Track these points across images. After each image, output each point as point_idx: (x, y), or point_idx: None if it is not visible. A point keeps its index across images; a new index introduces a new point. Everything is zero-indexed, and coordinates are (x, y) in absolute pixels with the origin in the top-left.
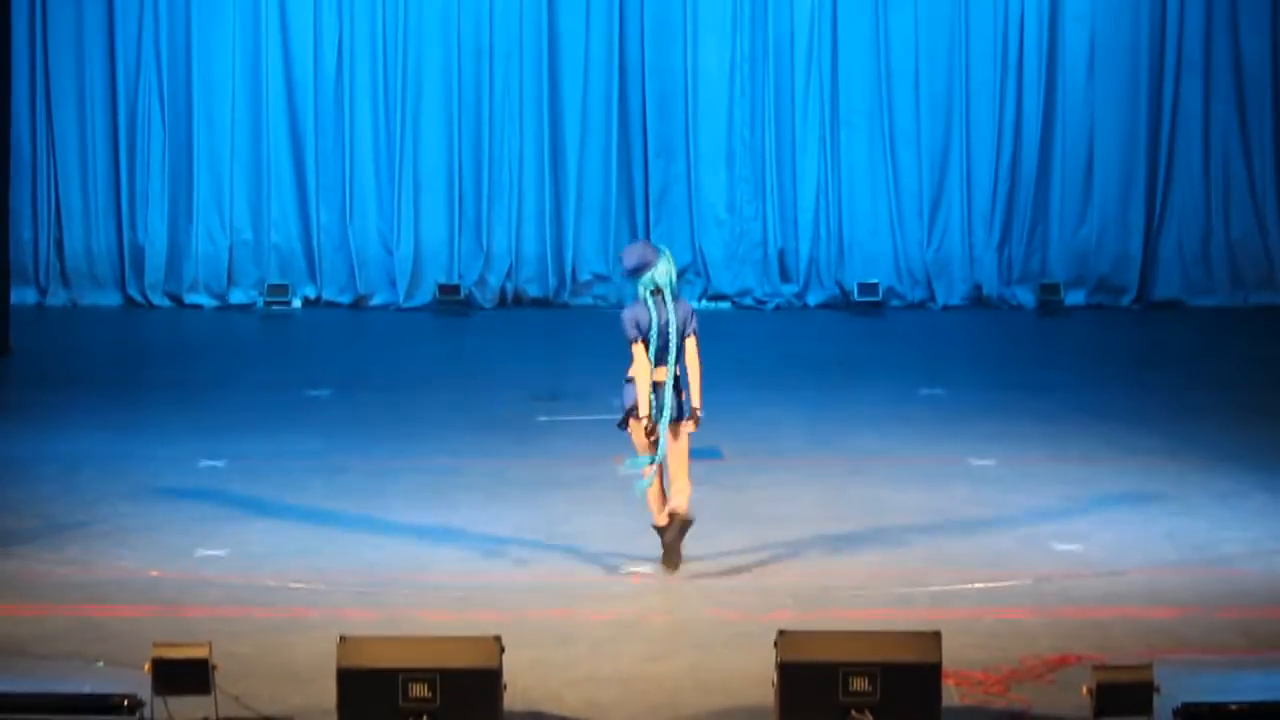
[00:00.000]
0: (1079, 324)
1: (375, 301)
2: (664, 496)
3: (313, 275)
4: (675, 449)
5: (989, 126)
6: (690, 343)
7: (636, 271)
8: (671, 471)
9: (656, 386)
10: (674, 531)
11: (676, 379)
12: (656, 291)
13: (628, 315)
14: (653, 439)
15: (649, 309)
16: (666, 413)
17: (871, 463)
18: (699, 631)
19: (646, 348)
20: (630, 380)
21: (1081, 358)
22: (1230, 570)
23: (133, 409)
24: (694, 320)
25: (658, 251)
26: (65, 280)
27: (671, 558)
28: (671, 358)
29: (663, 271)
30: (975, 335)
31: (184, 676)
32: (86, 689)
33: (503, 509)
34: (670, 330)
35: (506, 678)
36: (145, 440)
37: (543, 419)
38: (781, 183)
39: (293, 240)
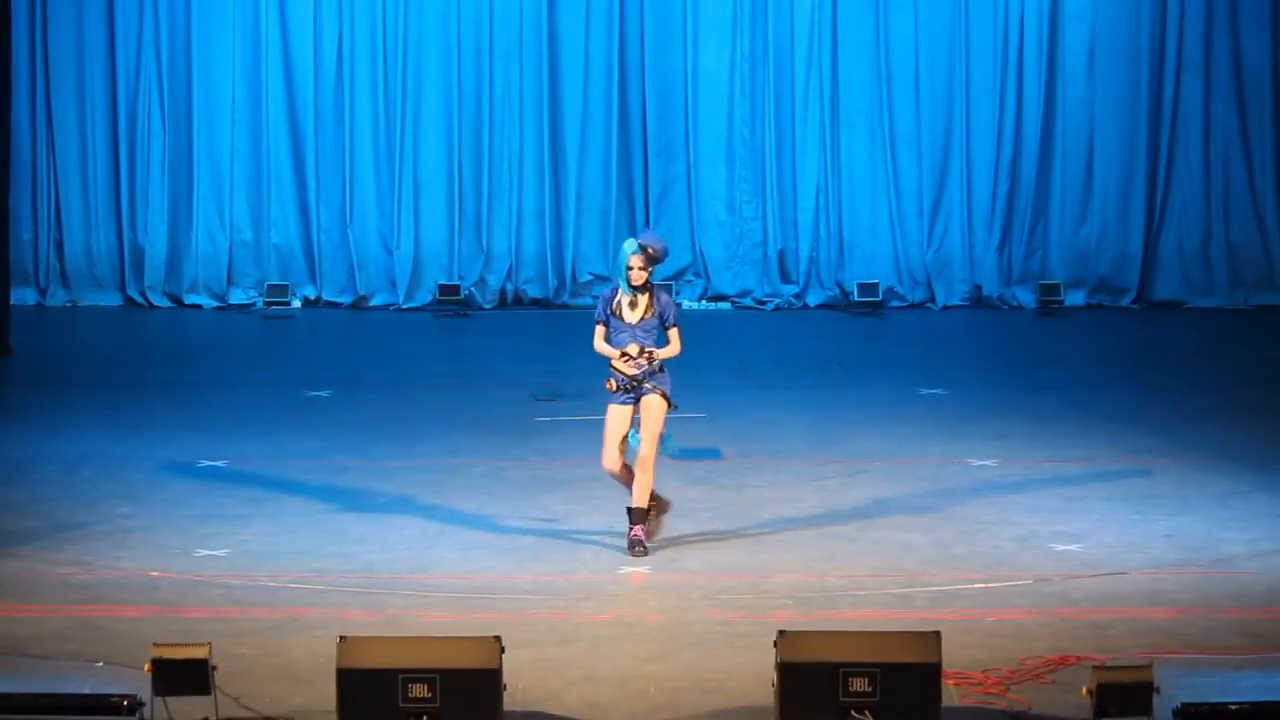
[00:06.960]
0: (1079, 324)
1: (375, 302)
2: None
3: (313, 276)
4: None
5: (989, 127)
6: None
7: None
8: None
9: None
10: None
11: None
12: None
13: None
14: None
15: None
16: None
17: (871, 463)
18: (699, 631)
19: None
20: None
21: (1081, 358)
22: (1230, 570)
23: (133, 409)
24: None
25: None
26: (65, 281)
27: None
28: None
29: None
30: (975, 336)
31: (184, 677)
32: (86, 689)
33: (503, 509)
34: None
35: (506, 678)
36: (145, 440)
37: (543, 419)
38: (781, 183)
39: (293, 241)
